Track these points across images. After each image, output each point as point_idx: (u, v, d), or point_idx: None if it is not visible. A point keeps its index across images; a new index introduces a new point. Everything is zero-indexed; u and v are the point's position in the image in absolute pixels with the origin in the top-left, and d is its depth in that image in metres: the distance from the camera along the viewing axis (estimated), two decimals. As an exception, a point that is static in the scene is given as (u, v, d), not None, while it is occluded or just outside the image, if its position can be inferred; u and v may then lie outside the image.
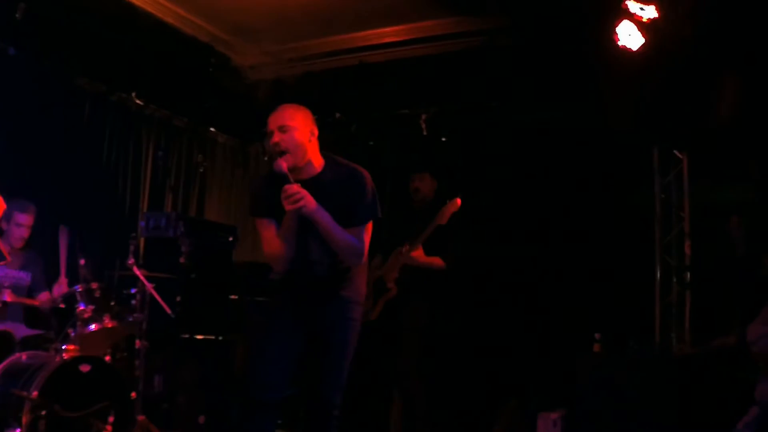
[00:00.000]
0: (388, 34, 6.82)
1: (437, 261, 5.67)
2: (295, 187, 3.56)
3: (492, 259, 6.71)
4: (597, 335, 6.13)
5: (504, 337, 6.65)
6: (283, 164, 3.62)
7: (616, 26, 5.31)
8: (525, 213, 6.81)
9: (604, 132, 6.36)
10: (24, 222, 5.52)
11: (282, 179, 3.61)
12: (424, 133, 7.24)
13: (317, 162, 3.81)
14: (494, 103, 6.93)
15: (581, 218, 6.61)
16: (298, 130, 3.69)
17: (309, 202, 3.58)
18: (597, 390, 5.87)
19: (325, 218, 3.64)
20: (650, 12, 5.24)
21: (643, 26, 5.29)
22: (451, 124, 7.27)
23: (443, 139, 7.29)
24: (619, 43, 5.32)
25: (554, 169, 6.78)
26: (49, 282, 5.66)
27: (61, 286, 5.41)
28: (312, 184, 3.71)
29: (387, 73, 7.04)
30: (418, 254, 5.62)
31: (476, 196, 6.19)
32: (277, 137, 3.69)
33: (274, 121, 3.73)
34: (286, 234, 3.73)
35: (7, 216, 5.43)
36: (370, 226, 3.82)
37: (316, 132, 3.79)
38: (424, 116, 7.22)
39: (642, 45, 5.32)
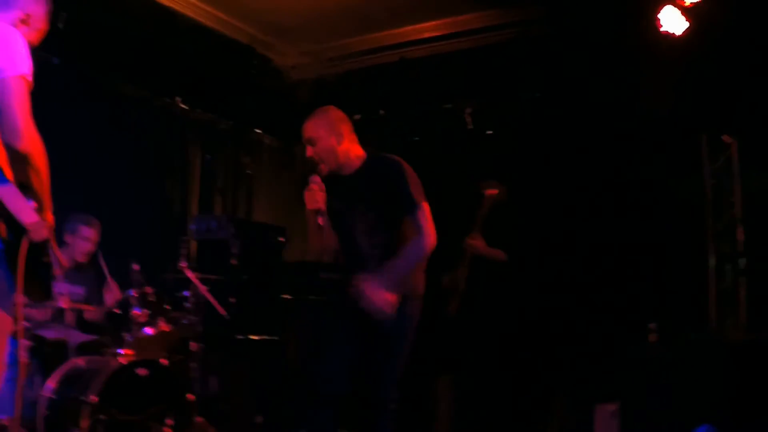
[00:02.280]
0: (428, 29, 6.79)
1: (499, 253, 5.69)
2: (315, 187, 3.79)
3: (544, 250, 6.63)
4: (651, 325, 6.03)
5: (557, 328, 6.57)
6: (324, 170, 3.86)
7: (658, 12, 5.23)
8: (574, 204, 6.72)
9: (650, 119, 6.25)
10: (89, 236, 5.57)
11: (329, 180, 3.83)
12: (469, 127, 7.18)
13: (357, 157, 3.94)
14: (537, 94, 6.84)
15: (631, 208, 6.49)
16: (323, 139, 3.85)
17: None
18: (653, 380, 5.77)
19: None
20: (693, -4, 5.17)
21: (686, 11, 5.20)
22: (496, 117, 7.19)
23: (489, 132, 7.22)
24: (662, 29, 5.24)
25: (601, 159, 6.67)
26: (101, 297, 5.68)
27: (112, 291, 5.45)
28: (353, 179, 3.90)
29: (428, 68, 7.01)
30: (479, 243, 5.69)
31: (523, 188, 6.13)
32: (308, 151, 3.89)
33: (303, 135, 3.91)
34: (310, 229, 3.91)
35: (72, 229, 5.49)
36: (425, 208, 3.82)
37: (345, 131, 3.90)
38: (468, 110, 7.16)
39: (686, 30, 5.23)
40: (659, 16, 5.24)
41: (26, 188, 2.66)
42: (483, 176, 6.00)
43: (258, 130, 8.82)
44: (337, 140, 3.86)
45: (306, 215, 3.90)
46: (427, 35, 6.84)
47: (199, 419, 5.38)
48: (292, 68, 7.74)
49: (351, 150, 3.92)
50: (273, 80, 7.68)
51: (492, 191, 5.60)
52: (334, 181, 3.90)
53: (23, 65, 2.67)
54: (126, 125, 7.11)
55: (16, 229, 2.64)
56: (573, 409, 6.21)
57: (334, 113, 3.97)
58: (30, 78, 2.68)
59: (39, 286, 2.81)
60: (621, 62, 6.05)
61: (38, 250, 2.68)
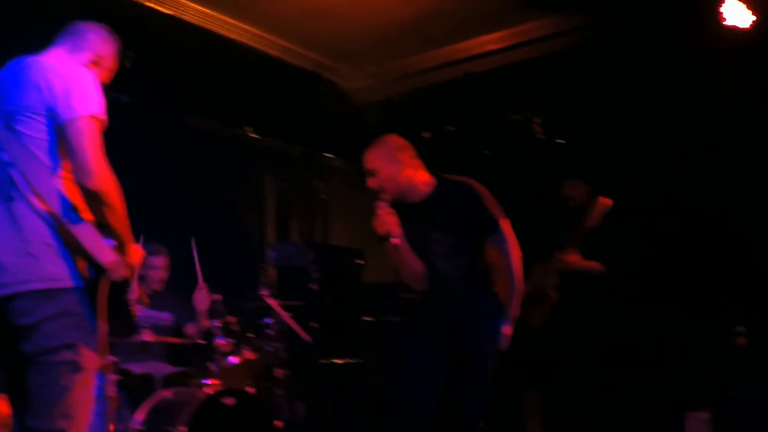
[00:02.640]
0: (490, 41, 6.75)
1: (595, 265, 5.53)
2: (381, 212, 3.77)
3: (636, 258, 6.45)
4: (741, 328, 5.83)
5: (646, 335, 6.40)
6: (387, 200, 3.84)
7: (720, 6, 5.11)
8: (657, 207, 6.54)
9: (724, 116, 6.08)
10: (158, 264, 5.67)
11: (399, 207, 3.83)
12: (540, 137, 7.10)
13: (423, 183, 3.92)
14: (605, 98, 6.73)
15: (717, 207, 6.30)
16: (382, 170, 3.87)
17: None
18: (745, 385, 5.59)
19: None
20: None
21: (751, 3, 5.08)
22: (566, 124, 7.10)
23: (560, 141, 7.13)
24: (725, 23, 5.13)
25: (680, 159, 6.50)
26: (192, 314, 5.72)
27: (201, 293, 5.50)
28: (425, 206, 3.87)
29: (494, 81, 6.96)
30: (576, 258, 5.50)
31: (608, 194, 6.01)
32: (370, 182, 3.91)
33: (363, 166, 3.95)
34: (393, 257, 3.86)
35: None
36: (506, 225, 3.84)
37: (405, 158, 3.89)
38: (537, 120, 7.09)
39: (753, 22, 5.12)
40: (722, 9, 5.13)
41: (104, 227, 2.71)
42: (559, 183, 5.89)
43: (329, 155, 8.88)
44: (397, 169, 3.85)
45: (384, 246, 3.87)
46: (489, 48, 6.79)
47: (287, 446, 5.41)
48: (359, 91, 7.77)
49: (415, 177, 3.89)
50: (340, 104, 7.73)
51: (605, 201, 5.34)
52: (403, 209, 3.88)
53: (95, 105, 2.72)
54: (199, 157, 7.25)
55: (97, 267, 2.69)
56: (664, 417, 6.04)
57: (393, 141, 3.96)
58: (103, 117, 2.74)
59: (121, 323, 2.86)
60: (687, 58, 5.91)
61: (118, 288, 2.72)
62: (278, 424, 5.27)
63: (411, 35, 6.68)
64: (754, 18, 5.12)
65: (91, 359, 2.70)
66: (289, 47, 6.93)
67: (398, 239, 3.78)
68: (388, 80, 7.53)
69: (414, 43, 6.87)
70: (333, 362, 6.57)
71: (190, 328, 5.62)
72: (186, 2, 6.11)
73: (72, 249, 2.68)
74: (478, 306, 3.84)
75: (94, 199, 2.66)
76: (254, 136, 7.71)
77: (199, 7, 6.20)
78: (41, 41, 3.07)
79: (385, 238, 3.77)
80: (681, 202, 6.42)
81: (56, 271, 2.65)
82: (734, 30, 5.16)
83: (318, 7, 6.25)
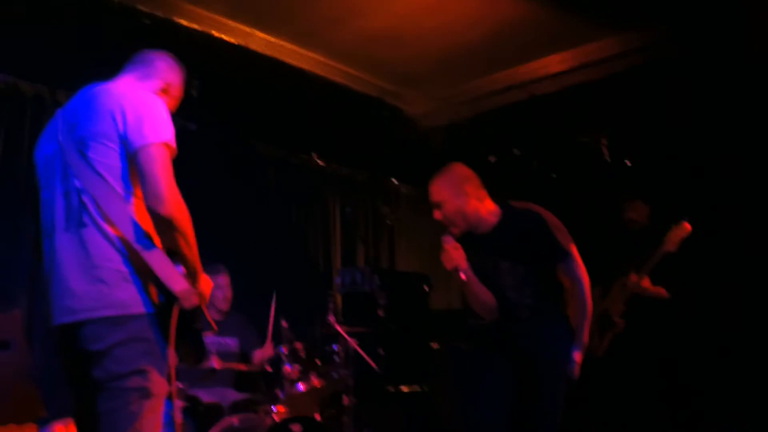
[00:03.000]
0: (554, 63, 6.69)
1: (661, 291, 5.38)
2: (448, 248, 3.73)
3: (705, 285, 6.28)
4: None
5: (712, 364, 6.19)
6: (455, 232, 3.83)
7: None
8: (726, 227, 6.38)
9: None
10: (222, 283, 5.69)
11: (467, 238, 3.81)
12: (607, 158, 7.00)
13: (490, 214, 3.88)
14: (671, 117, 6.60)
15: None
16: (447, 202, 3.84)
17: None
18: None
19: None
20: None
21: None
22: (634, 145, 6.99)
23: (628, 163, 7.01)
24: None
25: (749, 179, 6.33)
26: (257, 338, 5.77)
27: (265, 351, 5.55)
28: (493, 237, 3.83)
29: (559, 103, 6.89)
30: (647, 284, 5.36)
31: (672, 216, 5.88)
32: (437, 214, 3.88)
33: (429, 198, 3.92)
34: (463, 289, 3.83)
35: None
36: (575, 253, 3.80)
37: (471, 189, 3.86)
38: (604, 141, 7.00)
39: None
40: None
41: (174, 254, 2.73)
42: (625, 206, 5.79)
43: (394, 180, 8.91)
44: (463, 201, 3.81)
45: (453, 275, 3.84)
46: (553, 70, 6.73)
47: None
48: (423, 116, 7.78)
49: (481, 207, 3.85)
50: (405, 129, 7.75)
51: (686, 225, 5.20)
52: (471, 240, 3.85)
53: (166, 132, 2.76)
54: (265, 184, 7.33)
55: (167, 293, 2.71)
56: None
57: (458, 172, 3.92)
58: (173, 144, 2.77)
59: (191, 351, 2.87)
60: (750, 74, 5.77)
61: (189, 316, 2.74)
62: (346, 451, 5.27)
63: (474, 58, 6.67)
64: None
65: (160, 385, 2.73)
66: (353, 74, 6.98)
67: (465, 274, 3.75)
68: (453, 104, 7.52)
69: (477, 66, 6.86)
70: (400, 390, 6.53)
71: (256, 355, 5.64)
72: (251, 31, 6.19)
73: (143, 275, 2.71)
74: (550, 330, 3.80)
75: (164, 225, 2.69)
76: (320, 162, 7.79)
77: (265, 36, 6.27)
78: (112, 69, 3.13)
79: (454, 271, 3.74)
80: (748, 227, 6.25)
81: (127, 298, 2.68)
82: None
83: (381, 33, 6.28)
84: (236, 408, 5.17)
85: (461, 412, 4.08)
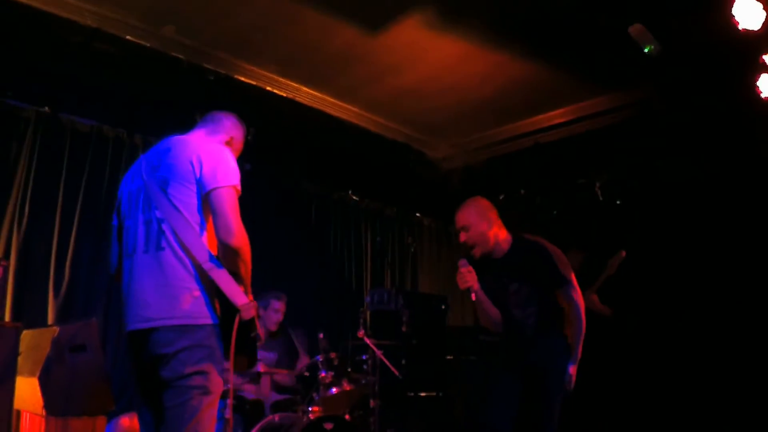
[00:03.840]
0: (557, 116, 6.77)
1: (606, 309, 5.48)
2: (463, 270, 3.75)
3: (654, 309, 6.25)
4: None
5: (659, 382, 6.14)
6: (477, 253, 3.85)
7: (756, 80, 4.97)
8: (690, 268, 6.35)
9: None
10: (279, 308, 5.73)
11: (480, 262, 3.84)
12: (600, 199, 7.05)
13: (505, 241, 3.92)
14: (658, 162, 6.65)
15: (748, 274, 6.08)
16: (473, 226, 3.85)
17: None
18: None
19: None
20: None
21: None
22: (623, 188, 7.03)
23: (618, 203, 7.06)
24: (762, 95, 4.97)
25: (720, 223, 6.32)
26: (290, 361, 5.78)
27: (302, 361, 5.63)
28: (504, 262, 3.87)
29: (560, 150, 6.96)
30: (596, 299, 5.53)
31: (653, 252, 5.90)
32: (462, 237, 3.88)
33: (456, 223, 3.92)
34: (475, 306, 3.88)
35: (265, 304, 5.69)
36: (573, 281, 3.84)
37: (493, 216, 3.90)
38: (598, 184, 7.05)
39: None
40: (757, 84, 4.98)
41: (236, 275, 2.83)
42: (610, 244, 5.86)
43: (418, 214, 8.98)
44: (488, 226, 3.85)
45: (467, 296, 3.92)
46: (556, 121, 6.81)
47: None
48: (443, 159, 7.86)
49: (499, 234, 3.90)
50: (428, 171, 7.82)
51: (622, 252, 5.42)
52: (486, 263, 3.91)
53: (234, 177, 2.89)
54: (308, 216, 7.44)
55: (228, 307, 2.80)
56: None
57: (483, 202, 3.97)
58: (239, 187, 2.90)
59: (246, 357, 2.93)
60: (728, 126, 5.80)
61: (247, 326, 2.82)
62: (371, 447, 5.27)
63: (490, 111, 6.76)
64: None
65: (217, 385, 2.80)
66: (385, 123, 7.10)
67: (477, 294, 3.82)
68: (469, 150, 7.60)
69: (490, 117, 6.94)
70: (419, 395, 6.55)
71: (298, 365, 5.69)
72: (299, 87, 6.34)
73: (209, 292, 2.82)
74: (549, 347, 3.83)
75: (230, 253, 2.80)
76: (355, 198, 7.89)
77: (310, 91, 6.42)
78: (181, 116, 3.24)
79: (467, 291, 3.82)
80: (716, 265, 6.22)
81: (194, 310, 2.78)
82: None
83: (408, 90, 6.40)
84: (277, 407, 5.21)
85: (473, 415, 4.10)
